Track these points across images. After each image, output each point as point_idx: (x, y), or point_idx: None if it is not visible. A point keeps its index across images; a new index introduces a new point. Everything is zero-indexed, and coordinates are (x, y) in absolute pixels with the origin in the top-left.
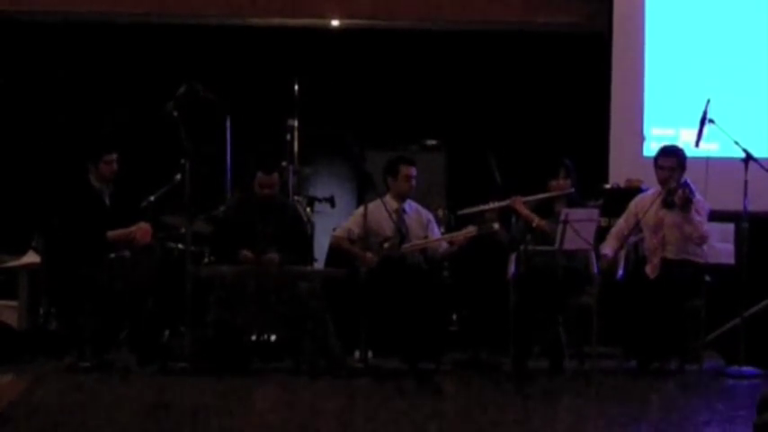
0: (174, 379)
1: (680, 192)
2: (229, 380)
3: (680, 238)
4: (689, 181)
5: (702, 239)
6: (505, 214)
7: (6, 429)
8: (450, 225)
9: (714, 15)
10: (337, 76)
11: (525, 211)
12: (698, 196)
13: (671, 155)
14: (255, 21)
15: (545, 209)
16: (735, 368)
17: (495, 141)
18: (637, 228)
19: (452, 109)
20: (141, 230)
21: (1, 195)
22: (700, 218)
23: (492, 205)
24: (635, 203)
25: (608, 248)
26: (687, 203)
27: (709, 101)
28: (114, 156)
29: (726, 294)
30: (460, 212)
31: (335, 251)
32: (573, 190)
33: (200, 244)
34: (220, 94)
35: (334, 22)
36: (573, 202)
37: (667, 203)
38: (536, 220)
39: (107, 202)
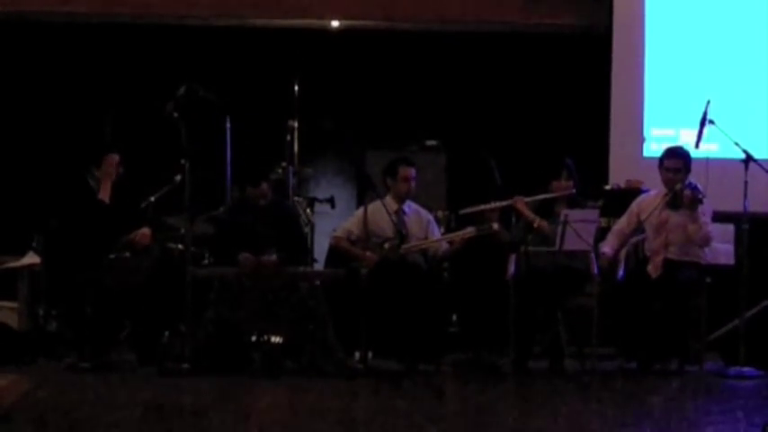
0: (173, 379)
1: (688, 192)
2: (229, 380)
3: (683, 239)
4: (694, 182)
5: (706, 240)
6: (506, 215)
7: (7, 430)
8: (449, 226)
9: (714, 16)
10: (337, 76)
11: (526, 212)
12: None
13: (677, 156)
14: (256, 21)
15: (546, 210)
16: (735, 369)
17: (494, 142)
18: (639, 228)
19: (452, 110)
20: (140, 234)
21: (1, 196)
22: (704, 219)
23: (494, 205)
24: (637, 204)
25: (607, 247)
26: (695, 202)
27: (709, 102)
28: (117, 158)
29: (726, 295)
30: (462, 212)
31: (335, 252)
32: (574, 191)
33: (200, 245)
34: (220, 94)
35: (335, 23)
36: (574, 203)
37: (672, 204)
38: (537, 221)
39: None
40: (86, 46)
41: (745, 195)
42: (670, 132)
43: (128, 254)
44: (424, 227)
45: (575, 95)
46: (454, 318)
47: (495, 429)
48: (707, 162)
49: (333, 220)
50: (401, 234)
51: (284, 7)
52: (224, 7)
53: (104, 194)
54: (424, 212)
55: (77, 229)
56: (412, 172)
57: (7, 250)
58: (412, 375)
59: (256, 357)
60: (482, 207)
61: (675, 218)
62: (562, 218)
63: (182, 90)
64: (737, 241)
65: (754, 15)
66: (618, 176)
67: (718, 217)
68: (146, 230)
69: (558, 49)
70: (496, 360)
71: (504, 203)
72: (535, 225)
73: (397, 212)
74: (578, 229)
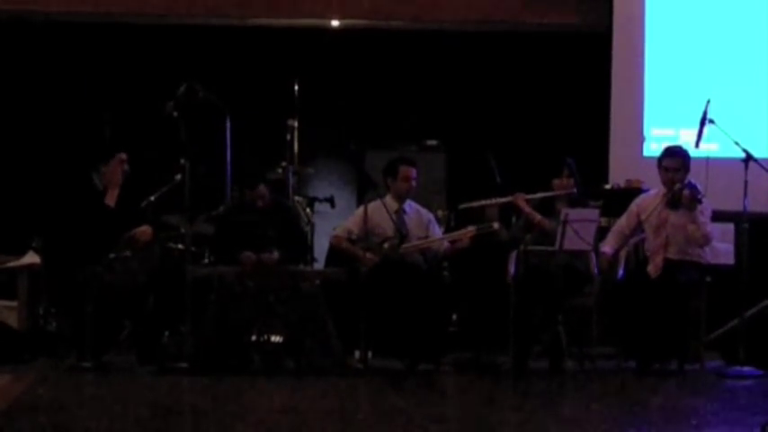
0: (174, 379)
1: (687, 192)
2: (229, 380)
3: (683, 239)
4: (694, 181)
5: (706, 240)
6: (506, 213)
7: (7, 429)
8: (449, 225)
9: (714, 15)
10: (337, 76)
11: (527, 208)
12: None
13: (676, 156)
14: (256, 21)
15: (547, 208)
16: (735, 368)
17: (494, 141)
18: (638, 228)
19: (452, 109)
20: (141, 230)
21: (1, 196)
22: (704, 218)
23: (494, 201)
24: (637, 203)
25: (607, 247)
26: (694, 202)
27: (709, 101)
28: (124, 156)
29: (726, 295)
30: (462, 206)
31: (335, 251)
32: (575, 190)
33: (200, 244)
34: (220, 94)
35: (335, 23)
36: (575, 202)
37: (672, 204)
38: (537, 217)
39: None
40: (86, 46)
41: (745, 195)
42: (670, 132)
43: (128, 253)
44: (425, 226)
45: (575, 95)
46: (454, 317)
47: (495, 429)
48: (707, 161)
49: (333, 219)
50: (401, 233)
51: (284, 7)
52: (224, 7)
53: (110, 200)
54: (424, 212)
55: (80, 229)
56: (413, 172)
57: (7, 250)
58: (412, 375)
59: (256, 357)
60: (483, 202)
61: (675, 217)
62: (562, 217)
63: (182, 90)
64: (737, 241)
65: (754, 15)
66: (618, 176)
67: (718, 217)
68: (146, 228)
69: (559, 48)
70: (496, 360)
71: (504, 200)
72: (536, 220)
73: (397, 212)
74: (578, 228)
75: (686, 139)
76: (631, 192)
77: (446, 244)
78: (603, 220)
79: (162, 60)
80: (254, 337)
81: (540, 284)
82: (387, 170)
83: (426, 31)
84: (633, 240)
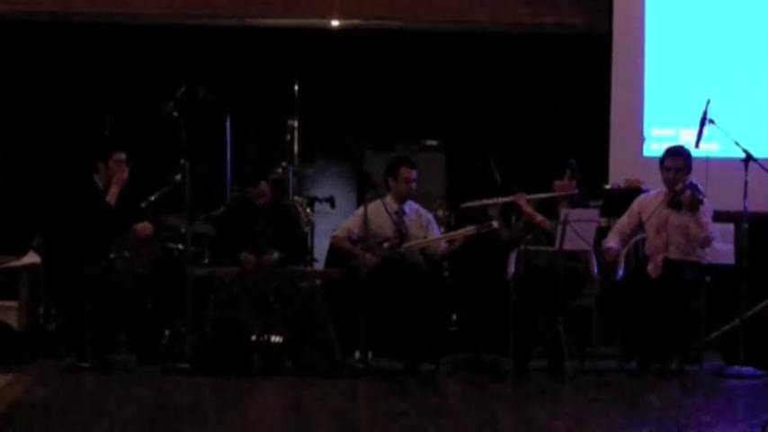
0: (174, 379)
1: (688, 192)
2: (229, 380)
3: (683, 239)
4: (695, 182)
5: (707, 241)
6: (506, 213)
7: (6, 430)
8: (449, 225)
9: (714, 16)
10: (337, 76)
11: (528, 209)
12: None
13: (677, 156)
14: (256, 21)
15: (548, 209)
16: (735, 369)
17: (494, 142)
18: (640, 227)
19: (452, 109)
20: (142, 225)
21: (1, 196)
22: (705, 219)
23: (496, 200)
24: (638, 203)
25: (612, 243)
26: (695, 204)
27: (709, 101)
28: (123, 156)
29: (726, 295)
30: (464, 205)
31: (335, 251)
32: (577, 191)
33: (200, 244)
34: (220, 94)
35: (335, 23)
36: (576, 203)
37: (673, 204)
38: (538, 217)
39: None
40: (86, 46)
41: (746, 195)
42: (670, 132)
43: (127, 254)
44: (424, 227)
45: (575, 95)
46: (454, 317)
47: (495, 429)
48: (707, 162)
49: (333, 219)
50: (401, 234)
51: (284, 7)
52: (224, 7)
53: (111, 198)
54: (424, 212)
55: (80, 228)
56: (413, 174)
57: (7, 250)
58: (412, 375)
59: (256, 357)
60: (485, 201)
61: (676, 218)
62: (562, 217)
63: (182, 89)
64: (737, 241)
65: (754, 15)
66: (618, 176)
67: (719, 217)
68: (146, 223)
69: (559, 48)
70: (496, 360)
71: (506, 199)
72: (537, 221)
73: (397, 212)
74: (578, 229)
75: (686, 139)
76: (631, 192)
77: (444, 244)
78: (603, 221)
79: (162, 60)
80: (254, 337)
81: (540, 284)
82: (387, 171)
83: (426, 31)
84: (633, 240)
